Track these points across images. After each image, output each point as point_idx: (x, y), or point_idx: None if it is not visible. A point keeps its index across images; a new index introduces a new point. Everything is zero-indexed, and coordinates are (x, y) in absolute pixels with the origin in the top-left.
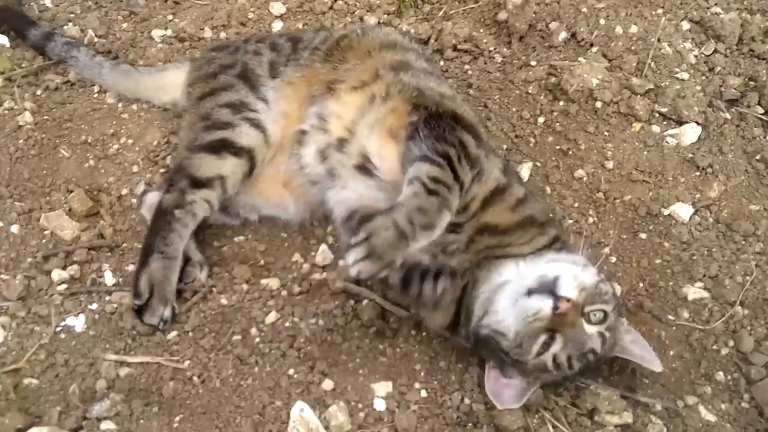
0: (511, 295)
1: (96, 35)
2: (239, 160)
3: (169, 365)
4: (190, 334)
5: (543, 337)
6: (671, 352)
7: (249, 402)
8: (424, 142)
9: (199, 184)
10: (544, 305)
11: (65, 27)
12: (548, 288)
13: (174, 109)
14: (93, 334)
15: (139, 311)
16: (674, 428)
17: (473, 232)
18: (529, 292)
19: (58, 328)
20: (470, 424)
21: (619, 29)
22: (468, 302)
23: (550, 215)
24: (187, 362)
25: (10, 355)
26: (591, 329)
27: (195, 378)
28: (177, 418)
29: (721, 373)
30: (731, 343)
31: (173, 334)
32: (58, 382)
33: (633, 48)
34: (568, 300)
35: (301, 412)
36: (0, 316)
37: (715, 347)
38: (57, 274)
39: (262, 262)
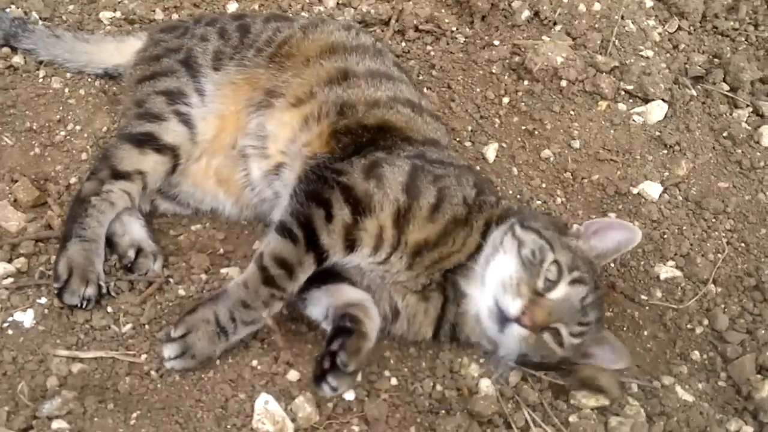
0: (494, 335)
1: (40, 18)
2: (162, 157)
3: (124, 360)
4: (147, 326)
5: (548, 337)
6: (645, 332)
7: (211, 396)
8: (295, 199)
9: (118, 175)
10: (519, 331)
11: (7, 9)
12: (505, 318)
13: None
14: (42, 329)
15: (60, 294)
16: (651, 409)
17: (409, 257)
18: (500, 329)
19: (5, 324)
20: (443, 411)
21: (582, 7)
22: (456, 323)
23: (471, 199)
24: (143, 356)
25: None
26: (561, 290)
27: (153, 372)
28: (134, 415)
29: (696, 352)
30: (705, 321)
31: (128, 327)
32: (6, 380)
33: (597, 26)
34: (524, 312)
35: (265, 404)
36: None
37: (689, 326)
38: (2, 268)
39: (221, 251)
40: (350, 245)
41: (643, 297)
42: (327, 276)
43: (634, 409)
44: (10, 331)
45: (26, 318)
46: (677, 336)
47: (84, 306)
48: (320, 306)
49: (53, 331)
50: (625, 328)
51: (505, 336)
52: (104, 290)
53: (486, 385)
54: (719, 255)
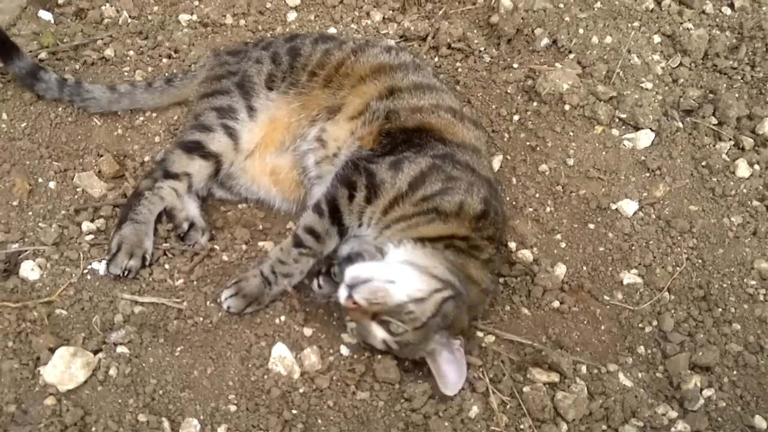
0: None
1: (130, 16)
2: (206, 162)
3: (174, 306)
4: (195, 282)
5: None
6: (602, 327)
7: (238, 341)
8: (331, 182)
9: (169, 176)
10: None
11: (102, 7)
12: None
13: None
14: (113, 277)
15: (108, 264)
16: (594, 389)
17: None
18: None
19: (85, 271)
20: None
21: (595, 39)
22: None
23: (467, 206)
24: (188, 305)
25: (45, 290)
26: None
27: (195, 318)
28: (178, 349)
29: (642, 347)
30: (655, 322)
31: (180, 281)
32: (83, 314)
33: (605, 57)
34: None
35: (280, 351)
36: (38, 258)
37: (640, 325)
38: (86, 226)
39: (260, 227)
40: (360, 223)
41: (605, 297)
42: None
43: (580, 386)
44: (88, 277)
45: (101, 267)
46: (628, 332)
47: (126, 275)
48: None
49: (121, 279)
50: (585, 322)
51: None
52: (148, 263)
53: None
54: (678, 268)
